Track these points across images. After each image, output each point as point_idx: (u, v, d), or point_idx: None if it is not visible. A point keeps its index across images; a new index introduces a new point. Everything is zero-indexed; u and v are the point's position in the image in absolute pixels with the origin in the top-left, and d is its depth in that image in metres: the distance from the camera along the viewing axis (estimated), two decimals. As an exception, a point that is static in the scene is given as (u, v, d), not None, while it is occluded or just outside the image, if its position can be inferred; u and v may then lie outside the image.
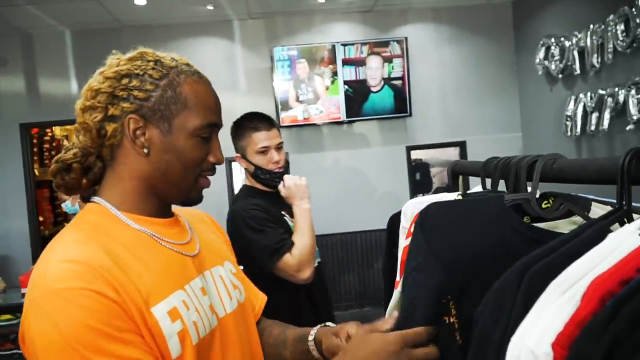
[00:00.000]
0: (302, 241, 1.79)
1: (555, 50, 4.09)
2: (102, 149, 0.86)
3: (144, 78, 0.84)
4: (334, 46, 4.59)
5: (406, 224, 1.10)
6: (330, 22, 4.82)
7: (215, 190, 4.67)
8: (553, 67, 4.11)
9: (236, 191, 4.69)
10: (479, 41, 4.89)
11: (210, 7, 4.42)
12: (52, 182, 0.90)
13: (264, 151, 1.88)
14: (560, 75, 4.08)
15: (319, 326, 1.05)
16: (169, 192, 0.88)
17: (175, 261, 0.87)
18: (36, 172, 5.03)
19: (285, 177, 1.89)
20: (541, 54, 4.24)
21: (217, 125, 0.91)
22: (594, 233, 0.60)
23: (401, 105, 4.66)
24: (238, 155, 1.95)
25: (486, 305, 0.62)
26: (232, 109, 4.67)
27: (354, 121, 4.71)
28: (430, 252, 0.76)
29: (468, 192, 1.08)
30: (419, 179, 4.89)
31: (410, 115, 4.70)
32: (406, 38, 4.65)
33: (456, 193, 1.06)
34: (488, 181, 1.01)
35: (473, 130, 4.89)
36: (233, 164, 4.67)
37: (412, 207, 1.10)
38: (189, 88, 0.86)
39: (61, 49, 4.69)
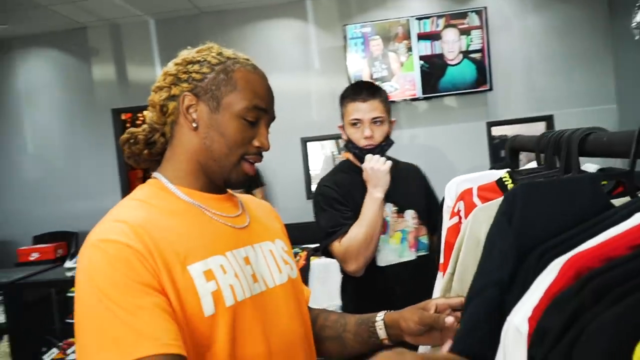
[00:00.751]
0: (355, 232, 1.67)
1: (655, 13, 3.72)
2: (164, 126, 0.97)
3: (203, 63, 0.94)
4: (408, 21, 4.46)
5: (450, 203, 1.06)
6: (404, -5, 4.69)
7: (291, 171, 4.77)
8: (652, 31, 3.75)
9: (316, 171, 4.78)
10: (567, 6, 4.54)
11: (283, -12, 4.44)
12: (124, 154, 1.01)
13: (356, 124, 1.75)
14: (660, 40, 3.72)
15: (384, 312, 1.03)
16: (212, 168, 0.95)
17: (218, 230, 0.93)
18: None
19: (367, 157, 1.72)
20: (638, 16, 3.88)
21: (265, 110, 0.96)
22: (624, 212, 0.55)
23: (481, 79, 4.46)
24: (341, 125, 1.84)
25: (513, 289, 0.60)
26: (306, 89, 4.78)
27: (430, 97, 4.58)
28: (514, 247, 0.66)
29: (519, 169, 1.02)
30: (504, 156, 4.67)
31: (491, 89, 4.49)
32: (485, 8, 4.42)
33: (504, 170, 1.00)
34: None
35: (561, 103, 4.59)
36: (309, 144, 4.72)
37: (456, 186, 1.06)
38: (240, 74, 0.94)
39: (146, 37, 4.94)
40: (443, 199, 1.26)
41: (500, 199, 0.84)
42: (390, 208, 1.77)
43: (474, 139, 4.66)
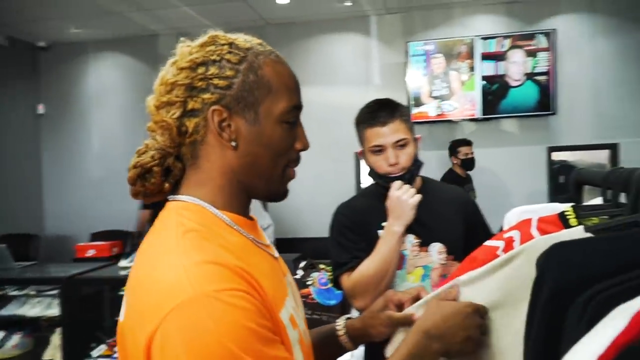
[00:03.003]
0: (365, 266, 1.50)
1: None
2: (181, 147, 0.79)
3: (222, 64, 0.76)
4: (472, 40, 4.40)
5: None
6: (470, 14, 4.63)
7: (342, 186, 4.77)
8: None
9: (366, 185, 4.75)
10: (639, 31, 4.37)
11: (348, 4, 4.49)
12: (132, 191, 0.83)
13: (379, 150, 1.54)
14: None
15: (342, 322, 1.03)
16: (257, 186, 0.81)
17: (272, 265, 0.83)
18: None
19: (395, 184, 1.53)
20: None
21: (301, 107, 0.83)
22: None
23: (545, 102, 4.33)
24: (360, 150, 1.64)
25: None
26: (364, 105, 4.76)
27: (490, 118, 4.48)
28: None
29: (584, 204, 0.97)
30: (563, 182, 4.51)
31: (555, 113, 4.35)
32: (555, 30, 4.30)
33: (569, 204, 0.95)
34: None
35: (628, 132, 4.39)
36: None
37: (517, 216, 1.03)
38: (270, 70, 0.78)
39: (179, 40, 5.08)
40: (501, 228, 1.21)
41: (560, 233, 0.81)
42: (410, 240, 1.56)
43: (533, 164, 4.53)
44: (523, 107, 4.38)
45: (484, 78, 4.40)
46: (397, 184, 1.51)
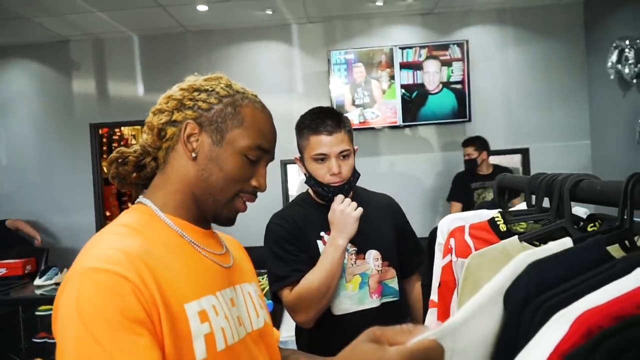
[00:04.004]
0: (308, 280, 1.49)
1: (629, 54, 3.83)
2: (158, 151, 0.92)
3: (211, 93, 0.91)
4: (391, 49, 4.54)
5: (442, 240, 1.06)
6: (389, 25, 4.77)
7: (270, 194, 4.73)
8: (627, 71, 3.86)
9: (294, 192, 4.77)
10: (546, 43, 4.68)
11: (269, 12, 4.48)
12: (109, 173, 0.96)
13: (322, 159, 1.55)
14: (634, 80, 3.83)
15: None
16: (206, 202, 0.90)
17: (209, 268, 0.89)
18: (104, 169, 5.28)
19: (338, 198, 1.53)
20: (614, 57, 4.00)
21: (267, 151, 0.93)
22: (623, 265, 0.56)
23: (460, 110, 4.54)
24: (297, 157, 1.65)
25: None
26: (288, 113, 4.76)
27: (410, 125, 4.64)
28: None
29: (510, 209, 1.03)
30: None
31: (470, 120, 4.57)
32: (467, 41, 4.53)
33: (496, 210, 1.00)
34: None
35: (537, 137, 4.69)
36: (289, 166, 4.71)
37: (448, 224, 1.06)
38: (249, 111, 0.92)
39: (129, 53, 4.91)
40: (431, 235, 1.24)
41: (496, 245, 0.84)
42: (347, 248, 1.55)
43: (453, 168, 4.72)
44: (441, 114, 4.57)
45: (403, 86, 4.55)
46: (339, 198, 1.52)
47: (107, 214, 5.43)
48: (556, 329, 0.48)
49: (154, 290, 0.74)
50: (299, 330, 1.67)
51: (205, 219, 0.93)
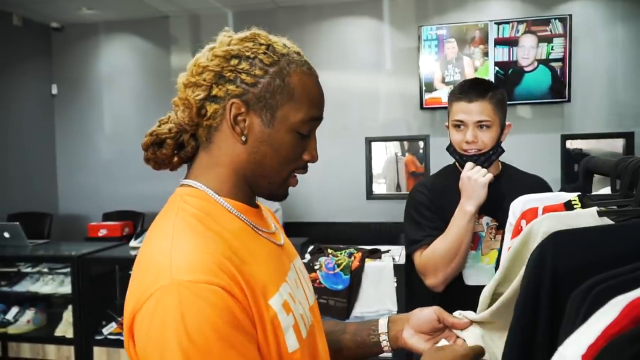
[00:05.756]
0: (437, 245, 1.54)
1: None
2: (198, 128, 0.83)
3: (254, 62, 0.79)
4: (486, 25, 4.34)
5: (513, 221, 1.02)
6: (485, -1, 4.56)
7: (354, 172, 4.76)
8: None
9: (377, 171, 4.73)
10: (660, 17, 4.27)
11: (361, -14, 4.42)
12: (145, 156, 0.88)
13: (458, 125, 1.57)
14: None
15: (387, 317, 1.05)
16: (260, 184, 0.84)
17: (273, 252, 0.85)
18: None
19: (468, 165, 1.55)
20: None
21: (319, 119, 0.86)
22: None
23: (559, 89, 4.26)
24: (447, 124, 1.67)
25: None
26: (375, 89, 4.75)
27: (503, 105, 4.43)
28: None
29: (592, 194, 0.96)
30: (577, 170, 4.45)
31: (569, 100, 4.29)
32: (570, 15, 4.22)
33: (575, 194, 0.94)
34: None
35: (646, 120, 4.32)
36: (373, 144, 4.68)
37: (522, 204, 1.02)
38: (297, 79, 0.81)
39: (224, 28, 5.05)
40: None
41: (568, 213, 0.81)
42: (487, 222, 1.60)
43: (547, 151, 4.47)
44: (537, 92, 4.32)
45: (497, 64, 4.34)
46: (469, 164, 1.53)
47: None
48: (608, 313, 0.48)
49: (249, 296, 0.71)
50: (432, 298, 1.69)
51: (254, 195, 0.88)
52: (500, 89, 1.60)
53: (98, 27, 5.34)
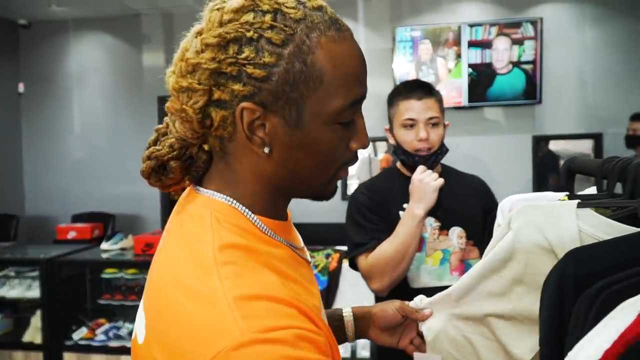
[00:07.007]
0: (384, 248, 1.48)
1: None
2: (207, 137, 0.65)
3: (261, 45, 0.58)
4: (459, 27, 4.38)
5: (502, 221, 1.02)
6: (458, 1, 4.61)
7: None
8: None
9: (353, 172, 4.74)
10: (628, 20, 4.37)
11: (335, -13, 4.42)
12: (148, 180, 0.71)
13: (410, 125, 1.54)
14: None
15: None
16: (299, 191, 0.69)
17: (308, 274, 0.72)
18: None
19: (419, 168, 1.51)
20: None
21: (363, 97, 0.66)
22: None
23: (530, 91, 4.34)
24: (387, 127, 1.65)
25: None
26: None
27: (476, 106, 4.48)
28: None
29: (578, 193, 0.97)
30: (548, 171, 4.54)
31: (540, 102, 4.36)
32: (541, 18, 4.30)
33: (563, 193, 0.95)
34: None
35: (613, 122, 4.42)
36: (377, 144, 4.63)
37: (511, 204, 1.02)
38: (325, 54, 0.60)
39: (196, 27, 5.00)
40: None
41: (545, 205, 0.82)
42: (431, 223, 1.58)
43: (519, 152, 4.54)
44: (509, 95, 4.38)
45: (471, 66, 4.39)
46: (421, 168, 1.51)
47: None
48: (623, 317, 0.47)
49: (322, 327, 0.60)
50: (376, 300, 1.68)
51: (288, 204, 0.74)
52: (438, 90, 1.63)
53: (68, 24, 5.21)
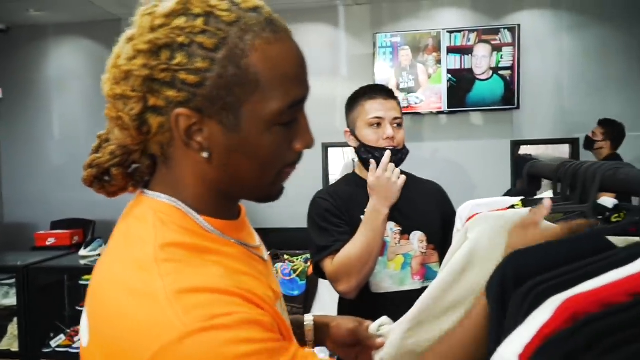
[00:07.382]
0: (348, 249, 1.46)
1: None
2: (147, 144, 0.65)
3: (192, 50, 0.57)
4: (439, 33, 4.44)
5: (460, 227, 1.03)
6: (437, 8, 4.67)
7: (311, 178, 4.77)
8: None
9: (335, 176, 4.76)
10: (603, 29, 4.47)
11: (316, -7, 4.46)
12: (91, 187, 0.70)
13: (377, 123, 1.55)
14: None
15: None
16: (242, 193, 0.70)
17: (268, 271, 0.73)
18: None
19: (382, 162, 1.50)
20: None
21: (304, 98, 0.66)
22: (625, 254, 0.55)
23: (508, 96, 4.40)
24: (347, 130, 1.65)
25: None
26: (331, 95, 4.78)
27: (455, 112, 4.54)
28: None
29: (532, 198, 1.00)
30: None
31: (518, 108, 4.43)
32: (519, 25, 4.37)
33: (518, 199, 0.97)
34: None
35: (589, 127, 4.49)
36: (330, 150, 4.70)
37: (470, 209, 1.04)
38: (259, 57, 0.59)
39: None
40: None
41: (502, 213, 0.84)
42: (391, 227, 1.56)
43: (498, 157, 4.61)
44: (489, 100, 4.44)
45: (450, 72, 4.44)
46: (383, 162, 1.50)
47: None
48: (544, 313, 0.49)
49: (276, 319, 0.62)
50: (340, 306, 1.67)
51: (237, 204, 0.75)
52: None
53: (47, 30, 5.16)
